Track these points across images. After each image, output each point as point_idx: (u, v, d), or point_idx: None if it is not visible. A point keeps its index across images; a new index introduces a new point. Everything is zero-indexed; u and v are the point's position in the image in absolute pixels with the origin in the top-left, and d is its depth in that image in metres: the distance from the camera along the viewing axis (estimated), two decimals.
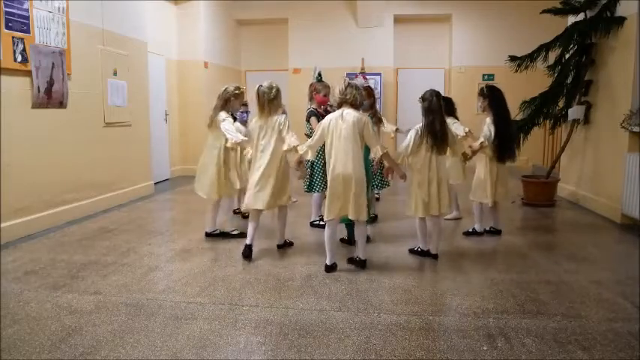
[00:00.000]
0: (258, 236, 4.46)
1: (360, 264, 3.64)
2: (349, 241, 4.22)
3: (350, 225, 4.06)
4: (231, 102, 4.30)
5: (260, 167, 3.79)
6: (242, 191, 4.63)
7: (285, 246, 4.20)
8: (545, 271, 3.60)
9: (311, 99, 4.87)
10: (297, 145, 3.65)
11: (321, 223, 4.84)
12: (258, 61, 10.77)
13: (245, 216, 5.01)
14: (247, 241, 3.93)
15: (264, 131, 3.78)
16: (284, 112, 4.26)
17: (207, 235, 4.52)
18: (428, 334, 2.60)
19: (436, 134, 3.64)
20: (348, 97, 3.48)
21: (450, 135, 3.78)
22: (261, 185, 3.79)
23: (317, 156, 4.69)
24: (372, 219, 4.67)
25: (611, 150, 5.34)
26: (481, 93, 4.42)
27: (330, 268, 3.59)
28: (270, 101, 3.75)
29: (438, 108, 3.67)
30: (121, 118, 6.12)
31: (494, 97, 4.33)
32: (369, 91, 4.83)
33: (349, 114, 3.45)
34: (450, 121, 4.27)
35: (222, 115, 4.20)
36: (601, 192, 5.56)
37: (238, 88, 4.39)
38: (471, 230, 4.59)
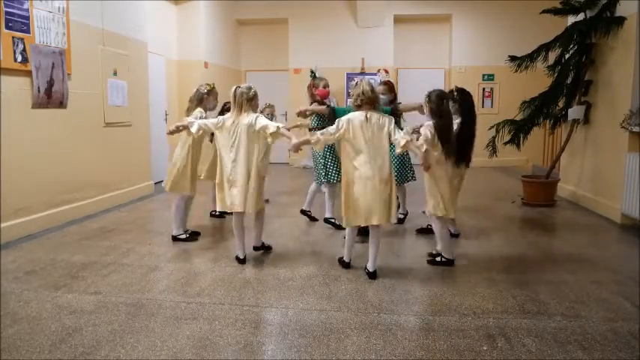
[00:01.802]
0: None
1: (371, 275, 3.46)
2: (365, 231, 3.94)
3: None
4: (205, 101, 4.44)
5: (236, 167, 3.63)
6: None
7: (262, 249, 4.01)
8: (545, 271, 3.60)
9: (312, 96, 4.86)
10: (279, 127, 3.55)
11: (337, 222, 4.74)
12: (258, 61, 10.78)
13: (215, 214, 5.13)
14: (240, 254, 3.77)
15: (234, 130, 3.64)
16: (273, 114, 4.21)
17: (176, 238, 4.38)
18: (428, 334, 2.60)
19: (449, 139, 3.55)
20: (370, 95, 3.36)
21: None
22: (242, 186, 3.62)
23: (329, 145, 4.57)
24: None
25: (611, 150, 5.34)
26: (451, 96, 4.13)
27: (348, 265, 3.65)
28: (248, 100, 3.67)
29: (447, 111, 3.59)
30: (121, 118, 6.12)
31: (465, 100, 4.14)
32: (390, 85, 4.74)
33: (374, 116, 3.36)
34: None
35: (196, 114, 4.26)
36: (601, 192, 5.56)
37: (208, 84, 4.56)
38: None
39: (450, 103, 4.08)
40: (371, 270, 3.47)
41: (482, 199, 6.35)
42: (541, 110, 6.07)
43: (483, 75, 10.16)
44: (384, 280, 3.39)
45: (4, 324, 2.67)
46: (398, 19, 10.19)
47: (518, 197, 6.29)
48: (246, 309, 2.93)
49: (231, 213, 3.78)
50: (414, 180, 4.90)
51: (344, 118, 3.41)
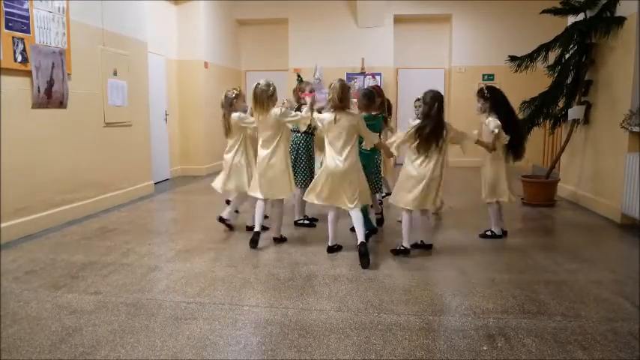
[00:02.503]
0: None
1: (363, 255, 3.64)
2: (374, 231, 4.37)
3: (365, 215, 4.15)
4: (234, 104, 4.55)
5: (266, 159, 4.11)
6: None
7: (280, 241, 4.33)
8: (545, 271, 3.60)
9: (298, 100, 4.92)
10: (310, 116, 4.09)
11: (306, 222, 4.96)
12: (258, 61, 10.77)
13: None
14: (257, 227, 4.15)
15: (264, 126, 4.10)
16: (292, 108, 4.48)
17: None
18: (428, 334, 2.60)
19: (423, 138, 3.74)
20: (337, 102, 3.73)
21: (454, 133, 3.89)
22: (273, 176, 4.12)
23: (300, 151, 4.78)
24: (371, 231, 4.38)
25: (611, 150, 5.34)
26: (481, 95, 4.33)
27: (332, 249, 4.01)
28: (269, 97, 4.04)
29: (435, 114, 3.73)
30: (121, 118, 6.12)
31: (496, 98, 4.29)
32: (378, 90, 4.81)
33: (342, 117, 3.75)
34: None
35: (237, 115, 4.48)
36: (601, 192, 5.56)
37: (235, 89, 4.65)
38: (489, 233, 4.50)
39: (481, 102, 4.34)
40: (360, 240, 3.69)
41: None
42: (541, 110, 6.07)
43: (483, 75, 10.14)
44: (384, 280, 3.39)
45: (4, 324, 2.67)
46: (398, 19, 10.18)
47: (518, 197, 6.28)
48: (246, 309, 2.93)
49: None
50: (378, 192, 4.94)
51: (320, 116, 3.92)
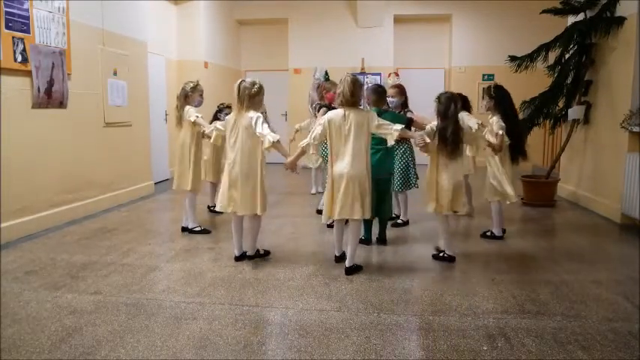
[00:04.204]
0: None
1: (347, 270, 3.51)
2: (367, 240, 4.21)
3: (367, 223, 4.08)
4: (189, 97, 4.65)
5: (233, 166, 3.61)
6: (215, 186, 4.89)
7: (257, 257, 3.84)
8: (545, 271, 3.60)
9: (322, 98, 4.89)
10: (277, 141, 3.45)
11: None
12: (258, 61, 10.77)
13: (213, 210, 5.29)
14: (235, 252, 3.82)
15: (235, 127, 3.60)
16: (264, 112, 4.09)
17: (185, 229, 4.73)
18: (428, 334, 2.60)
19: (446, 140, 3.58)
20: (348, 97, 3.41)
21: (468, 135, 3.77)
22: (240, 187, 3.58)
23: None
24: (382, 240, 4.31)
25: (611, 150, 5.34)
26: (488, 93, 4.32)
27: (340, 259, 3.70)
28: (250, 97, 3.56)
29: (453, 114, 3.60)
30: (121, 118, 6.12)
31: (502, 97, 4.27)
32: (401, 89, 4.79)
33: (352, 114, 3.41)
34: (464, 114, 4.11)
35: (189, 108, 4.57)
36: (601, 192, 5.56)
37: (192, 82, 4.74)
38: (489, 234, 4.48)
39: (486, 100, 4.33)
40: (347, 266, 3.52)
41: (483, 199, 6.33)
42: (541, 110, 6.08)
43: (483, 75, 10.15)
44: (384, 280, 3.39)
45: (4, 324, 2.67)
46: (398, 19, 10.19)
47: (518, 197, 6.28)
48: (246, 309, 2.93)
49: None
50: (417, 187, 4.89)
51: (325, 118, 3.51)
